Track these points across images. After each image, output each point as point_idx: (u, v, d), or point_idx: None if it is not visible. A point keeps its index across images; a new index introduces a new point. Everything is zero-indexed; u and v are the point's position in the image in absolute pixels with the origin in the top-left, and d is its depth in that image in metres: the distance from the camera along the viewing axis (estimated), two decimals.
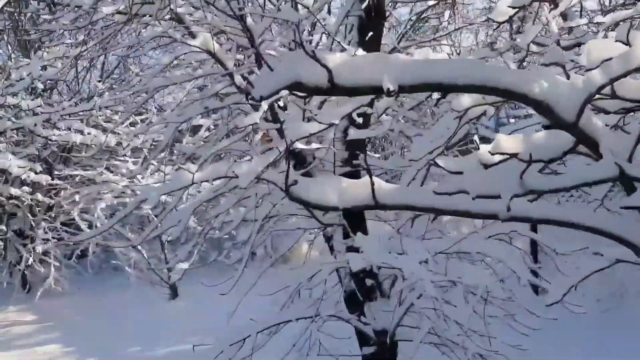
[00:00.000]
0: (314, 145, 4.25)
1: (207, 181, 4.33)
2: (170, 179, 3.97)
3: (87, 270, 12.28)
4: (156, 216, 10.98)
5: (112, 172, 11.03)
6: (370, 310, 5.32)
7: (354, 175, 5.31)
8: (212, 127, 6.43)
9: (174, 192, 4.11)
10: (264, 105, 3.59)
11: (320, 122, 3.88)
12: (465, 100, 2.55)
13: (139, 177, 10.86)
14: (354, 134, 4.63)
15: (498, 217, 2.46)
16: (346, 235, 5.27)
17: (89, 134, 9.47)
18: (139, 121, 11.51)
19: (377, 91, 2.13)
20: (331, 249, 5.78)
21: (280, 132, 3.55)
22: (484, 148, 2.22)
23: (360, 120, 4.39)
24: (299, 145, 4.08)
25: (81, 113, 10.07)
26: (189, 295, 10.90)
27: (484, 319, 4.55)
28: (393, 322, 4.96)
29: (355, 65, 2.13)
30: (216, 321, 9.63)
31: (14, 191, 10.84)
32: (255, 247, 9.71)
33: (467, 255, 4.72)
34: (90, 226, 11.14)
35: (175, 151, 6.22)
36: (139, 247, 10.98)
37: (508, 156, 2.19)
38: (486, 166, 2.26)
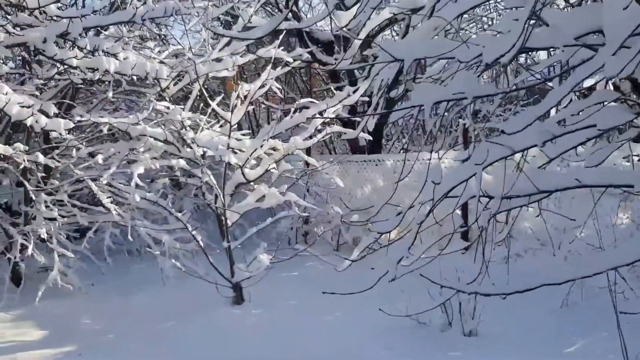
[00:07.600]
0: None
1: None
2: None
3: (104, 258, 8.94)
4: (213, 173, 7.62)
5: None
6: None
7: None
8: None
9: None
10: None
11: None
12: None
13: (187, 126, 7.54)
14: None
15: None
16: None
17: (125, 59, 6.05)
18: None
19: None
20: None
21: None
22: None
23: None
24: None
25: (113, 29, 6.66)
26: (260, 297, 7.61)
27: None
28: None
29: None
30: (326, 346, 6.25)
31: (3, 148, 7.40)
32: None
33: None
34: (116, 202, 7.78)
35: None
36: (194, 231, 7.64)
37: None
38: None
